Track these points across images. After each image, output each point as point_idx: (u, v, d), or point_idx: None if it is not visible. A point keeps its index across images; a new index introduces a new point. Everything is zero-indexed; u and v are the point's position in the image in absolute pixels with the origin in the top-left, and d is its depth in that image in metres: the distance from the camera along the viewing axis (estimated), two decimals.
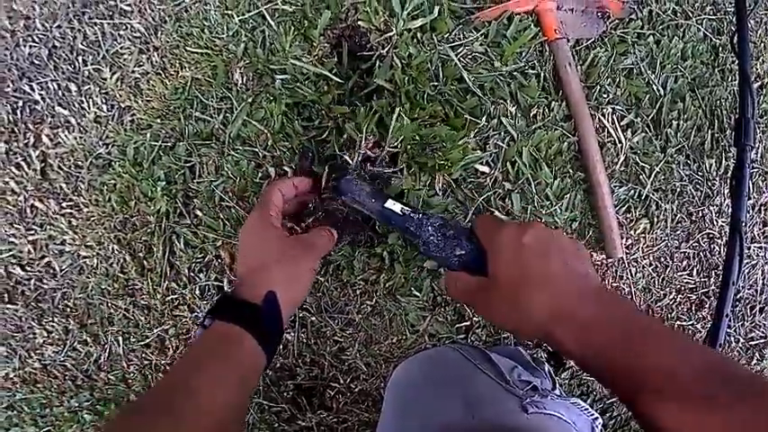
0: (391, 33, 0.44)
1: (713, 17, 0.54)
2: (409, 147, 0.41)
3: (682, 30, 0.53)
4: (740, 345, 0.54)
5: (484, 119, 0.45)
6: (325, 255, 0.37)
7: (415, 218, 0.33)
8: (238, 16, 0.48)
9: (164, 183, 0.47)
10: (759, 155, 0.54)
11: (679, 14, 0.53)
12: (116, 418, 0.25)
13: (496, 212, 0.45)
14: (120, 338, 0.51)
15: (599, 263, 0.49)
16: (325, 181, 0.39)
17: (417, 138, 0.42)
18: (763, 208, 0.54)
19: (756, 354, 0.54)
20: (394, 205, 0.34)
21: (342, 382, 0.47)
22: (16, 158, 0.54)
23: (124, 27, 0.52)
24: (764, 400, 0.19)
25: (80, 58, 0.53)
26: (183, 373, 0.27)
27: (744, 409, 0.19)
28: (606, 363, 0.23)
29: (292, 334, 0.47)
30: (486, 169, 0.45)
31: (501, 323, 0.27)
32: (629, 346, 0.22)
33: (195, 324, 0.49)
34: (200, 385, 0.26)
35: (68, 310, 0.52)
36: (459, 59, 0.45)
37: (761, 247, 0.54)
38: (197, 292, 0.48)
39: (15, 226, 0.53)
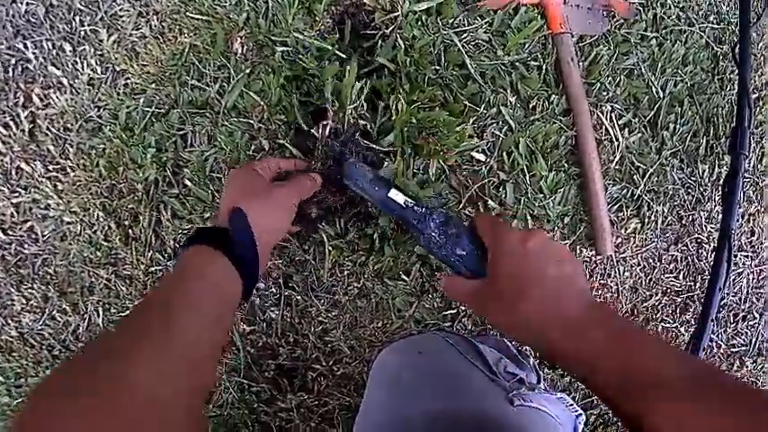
0: (396, 14, 0.43)
1: (716, 26, 0.54)
2: (405, 129, 0.41)
3: (684, 35, 0.53)
4: (722, 351, 0.55)
5: (483, 107, 0.45)
6: (307, 198, 0.36)
7: (418, 211, 0.32)
8: None
9: (154, 150, 0.46)
10: (751, 165, 0.55)
11: (683, 20, 0.53)
12: (97, 341, 0.24)
13: (489, 201, 0.45)
14: (101, 309, 0.49)
15: (588, 259, 0.49)
16: (322, 159, 0.38)
17: (414, 120, 0.41)
18: (751, 217, 0.55)
19: (737, 361, 0.55)
20: (397, 196, 0.33)
21: (324, 364, 0.46)
22: (5, 118, 0.52)
23: None
24: None
25: (77, 18, 0.52)
26: (159, 294, 0.26)
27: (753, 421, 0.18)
28: (599, 364, 0.23)
29: (276, 312, 0.46)
30: (481, 157, 0.45)
31: (498, 323, 0.27)
32: (624, 347, 0.23)
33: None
34: (177, 303, 0.24)
35: (49, 277, 0.51)
36: (462, 45, 0.44)
37: (747, 256, 0.55)
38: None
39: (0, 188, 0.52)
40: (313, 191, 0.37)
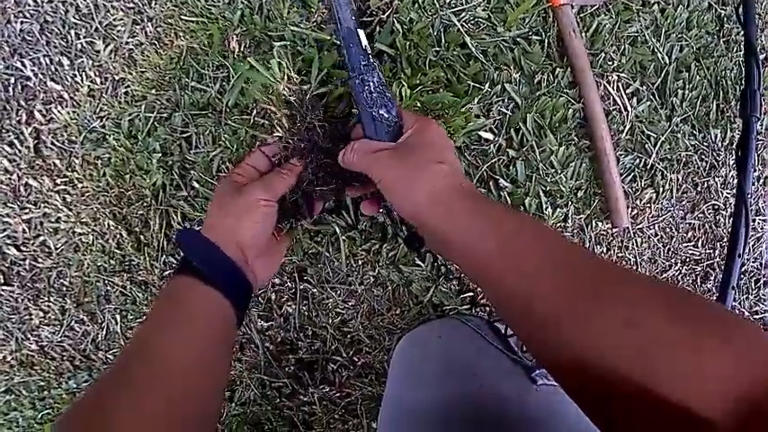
0: None
1: None
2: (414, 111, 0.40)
3: None
4: (745, 318, 0.54)
5: (487, 85, 0.44)
6: (288, 189, 0.35)
7: (370, 60, 0.33)
8: None
9: (159, 155, 0.46)
10: (764, 127, 0.53)
11: None
12: (84, 396, 0.23)
13: (501, 180, 0.44)
14: (118, 316, 0.50)
15: (604, 232, 0.48)
16: None
17: (419, 104, 0.41)
18: (767, 180, 0.54)
19: (761, 327, 0.54)
20: (362, 36, 0.34)
21: (344, 355, 0.46)
22: (9, 136, 0.52)
23: None
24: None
25: (72, 32, 0.52)
26: (140, 334, 0.26)
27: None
28: (470, 250, 0.24)
29: (293, 306, 0.46)
30: (489, 136, 0.44)
31: (388, 188, 0.29)
32: (499, 237, 0.24)
33: None
34: (157, 343, 0.24)
35: (65, 289, 0.51)
36: (461, 25, 0.44)
37: (765, 220, 0.54)
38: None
39: (9, 205, 0.52)
40: (288, 181, 0.35)
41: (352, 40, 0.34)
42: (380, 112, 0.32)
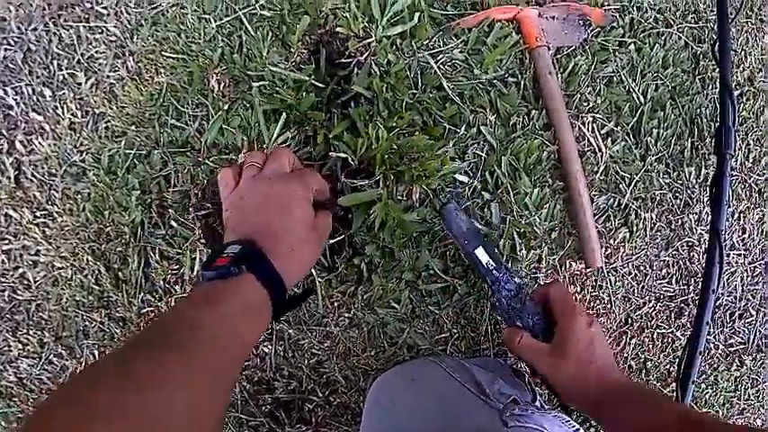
0: (370, 40, 0.43)
1: (694, 25, 0.54)
2: (387, 157, 0.41)
3: (663, 38, 0.53)
4: (720, 351, 0.54)
5: (463, 128, 0.45)
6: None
7: (496, 275, 0.38)
8: (215, 21, 0.47)
9: (138, 192, 0.46)
10: (738, 162, 0.54)
11: (660, 22, 0.53)
12: (123, 349, 0.22)
13: (476, 223, 0.44)
14: (96, 351, 0.50)
15: (578, 272, 0.49)
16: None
17: (395, 147, 0.41)
18: (742, 215, 0.55)
19: (736, 360, 0.55)
20: (482, 255, 0.38)
21: (320, 395, 0.46)
22: None
23: (100, 30, 0.51)
24: None
25: (55, 62, 0.52)
26: (186, 308, 0.26)
27: None
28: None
29: (270, 347, 0.46)
30: (464, 179, 0.45)
31: (562, 383, 0.36)
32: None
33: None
34: (204, 318, 0.24)
35: (43, 322, 0.51)
36: (438, 67, 0.44)
37: (740, 254, 0.55)
38: (172, 304, 0.47)
39: None
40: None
41: (475, 261, 0.38)
42: (516, 323, 0.38)
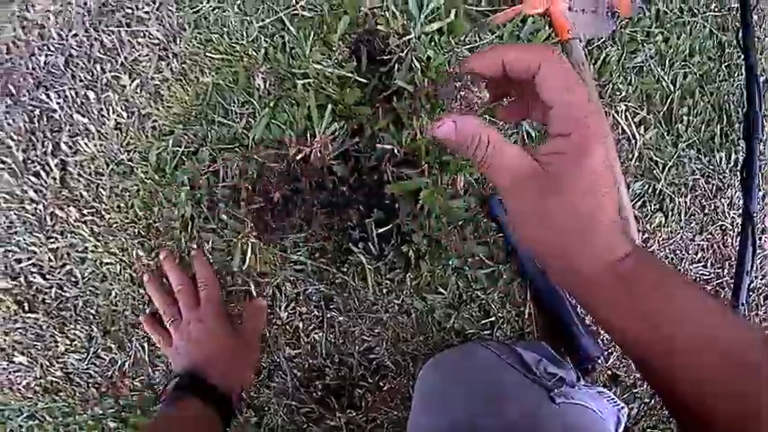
0: (410, 36, 0.45)
1: (718, 14, 0.55)
2: (431, 148, 0.42)
3: (688, 27, 0.54)
4: None
5: None
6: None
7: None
8: (257, 22, 0.48)
9: (187, 188, 0.48)
10: (767, 147, 0.55)
11: (685, 12, 0.54)
12: None
13: None
14: (146, 344, 0.51)
15: None
16: None
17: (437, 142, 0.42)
18: None
19: None
20: None
21: (370, 381, 0.47)
22: (34, 167, 0.54)
23: (142, 34, 0.53)
24: None
25: (98, 66, 0.54)
26: None
27: None
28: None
29: (320, 334, 0.47)
30: None
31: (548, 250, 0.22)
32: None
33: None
34: None
35: (91, 317, 0.52)
36: None
37: None
38: (224, 296, 0.48)
39: (35, 234, 0.53)
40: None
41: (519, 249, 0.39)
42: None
